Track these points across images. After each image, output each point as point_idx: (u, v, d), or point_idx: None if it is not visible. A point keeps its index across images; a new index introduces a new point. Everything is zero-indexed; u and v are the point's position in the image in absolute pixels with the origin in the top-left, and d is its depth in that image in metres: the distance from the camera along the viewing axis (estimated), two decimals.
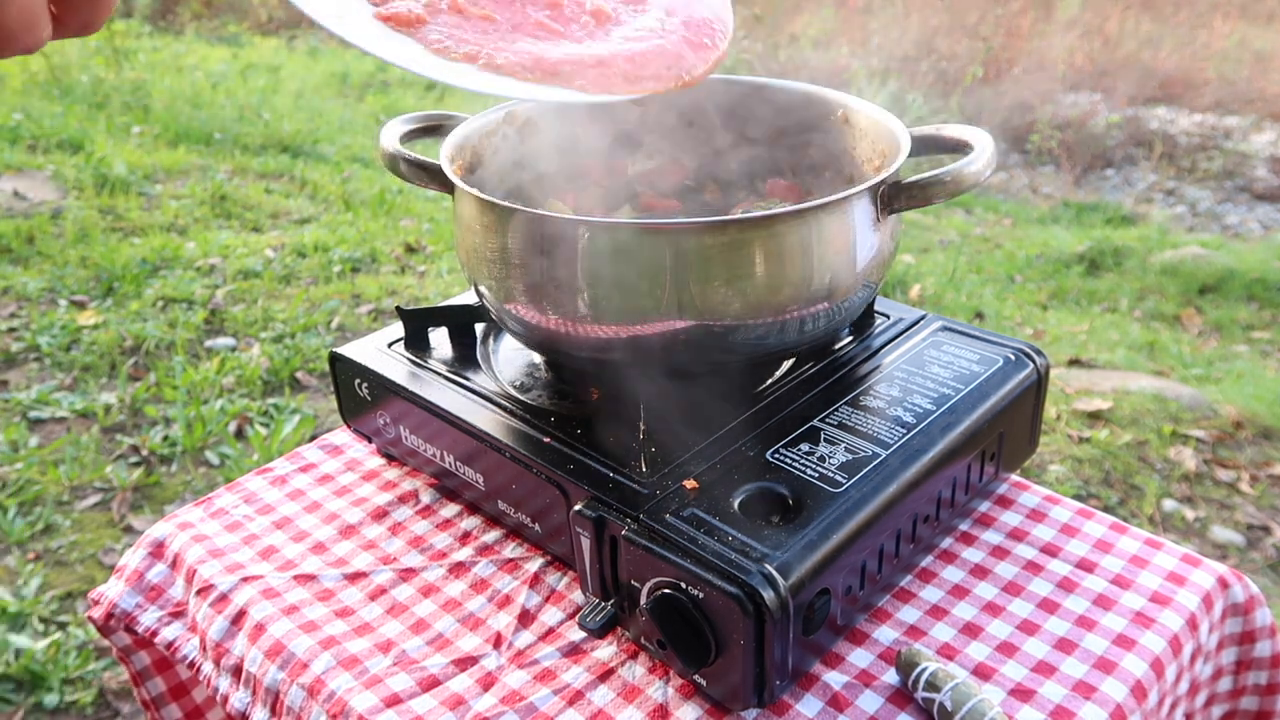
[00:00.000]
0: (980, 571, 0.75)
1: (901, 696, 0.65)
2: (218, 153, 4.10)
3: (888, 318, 0.88)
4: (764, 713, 0.64)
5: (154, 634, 0.78)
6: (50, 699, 1.50)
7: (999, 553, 0.77)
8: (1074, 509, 0.82)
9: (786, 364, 0.82)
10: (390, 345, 0.88)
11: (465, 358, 0.86)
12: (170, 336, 2.55)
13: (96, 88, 4.74)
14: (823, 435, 0.71)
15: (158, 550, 0.82)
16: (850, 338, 0.85)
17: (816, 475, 0.67)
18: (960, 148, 0.74)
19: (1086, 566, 0.75)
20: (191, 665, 0.76)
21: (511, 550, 0.78)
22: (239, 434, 2.19)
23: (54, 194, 3.49)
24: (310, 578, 0.77)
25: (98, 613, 0.81)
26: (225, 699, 0.72)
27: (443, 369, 0.83)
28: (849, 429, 0.72)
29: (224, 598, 0.75)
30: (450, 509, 0.84)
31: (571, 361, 0.79)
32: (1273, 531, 1.95)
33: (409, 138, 0.85)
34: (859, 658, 0.68)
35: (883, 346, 0.83)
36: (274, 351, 2.49)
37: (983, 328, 0.93)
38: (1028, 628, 0.70)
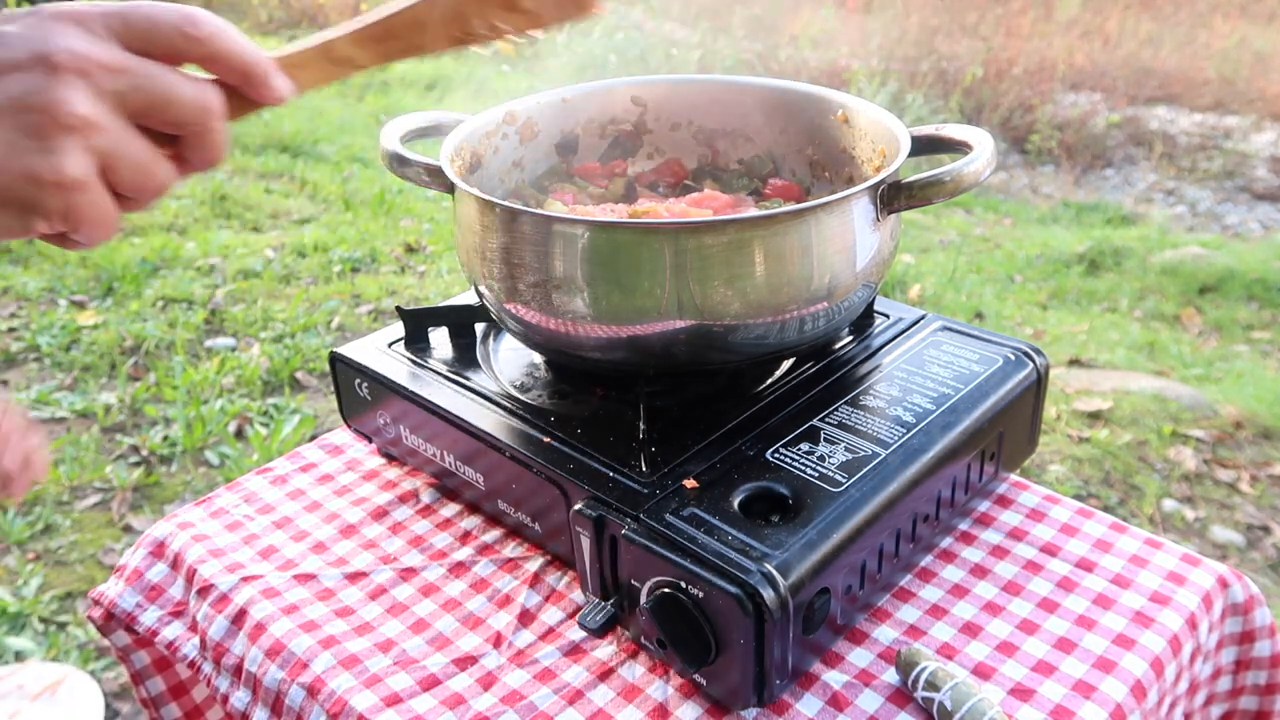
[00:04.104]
0: (980, 571, 0.75)
1: (901, 696, 0.65)
2: None
3: (888, 317, 0.88)
4: (764, 712, 0.64)
5: (154, 633, 0.78)
6: None
7: (999, 552, 0.77)
8: (1074, 509, 0.82)
9: (786, 364, 0.82)
10: (390, 345, 0.88)
11: (465, 358, 0.86)
12: (170, 336, 2.55)
13: None
14: (823, 435, 0.71)
15: (158, 550, 0.82)
16: (850, 337, 0.85)
17: (816, 475, 0.67)
18: (960, 148, 0.74)
19: (1086, 566, 0.75)
20: (191, 665, 0.76)
21: (511, 550, 0.78)
22: (239, 434, 2.19)
23: None
24: (310, 577, 0.77)
25: (98, 613, 0.81)
26: (225, 698, 0.72)
27: (443, 369, 0.83)
28: (849, 429, 0.72)
29: (224, 597, 0.75)
30: (450, 508, 0.84)
31: (571, 361, 0.79)
32: (1273, 531, 1.95)
33: (409, 138, 0.85)
34: (859, 657, 0.68)
35: (882, 346, 0.83)
36: (274, 351, 2.49)
37: (982, 327, 0.93)
38: (1027, 627, 0.70)
